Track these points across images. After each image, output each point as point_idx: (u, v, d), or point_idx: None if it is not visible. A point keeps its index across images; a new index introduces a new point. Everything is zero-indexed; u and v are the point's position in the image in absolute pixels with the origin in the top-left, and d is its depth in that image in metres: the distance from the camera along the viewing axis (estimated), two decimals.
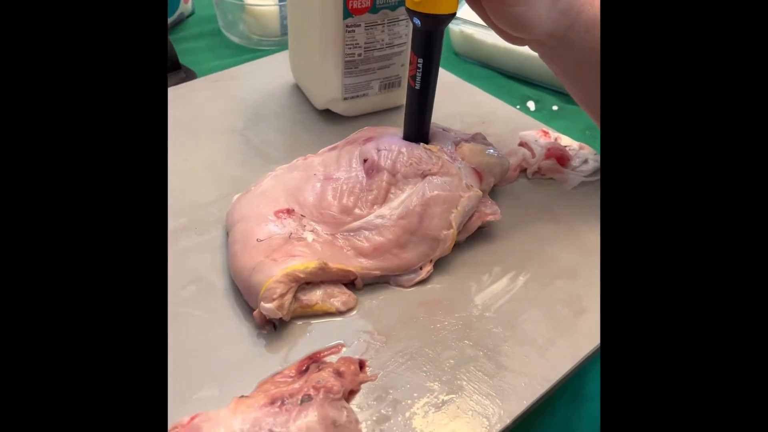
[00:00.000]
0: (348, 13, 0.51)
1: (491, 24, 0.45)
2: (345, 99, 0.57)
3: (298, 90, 0.63)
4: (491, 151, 0.49)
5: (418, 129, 0.48)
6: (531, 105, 0.66)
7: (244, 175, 0.52)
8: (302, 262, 0.41)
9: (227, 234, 0.46)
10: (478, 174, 0.47)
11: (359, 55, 0.54)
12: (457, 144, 0.48)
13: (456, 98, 0.63)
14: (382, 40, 0.54)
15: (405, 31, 0.55)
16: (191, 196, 0.50)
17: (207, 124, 0.58)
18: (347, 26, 0.52)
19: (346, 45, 0.53)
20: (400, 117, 0.60)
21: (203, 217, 0.49)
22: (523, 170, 0.54)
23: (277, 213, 0.44)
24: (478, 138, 0.50)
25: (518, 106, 0.65)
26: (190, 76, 0.65)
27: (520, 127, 0.58)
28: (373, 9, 0.52)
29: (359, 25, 0.53)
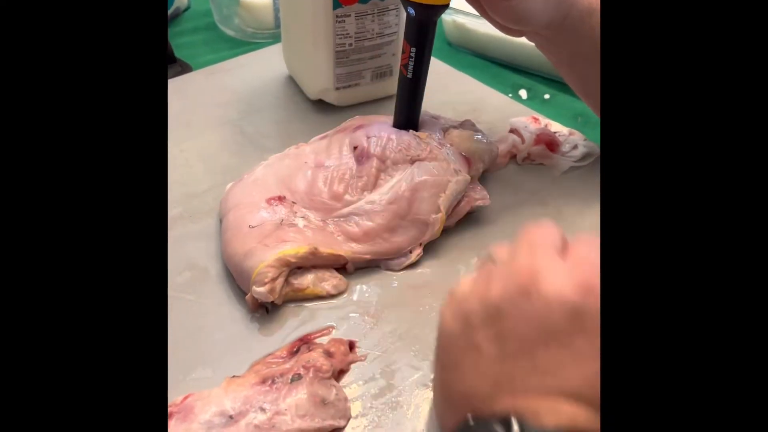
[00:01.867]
0: (338, 3, 0.52)
1: (489, 18, 0.46)
2: (337, 89, 0.58)
3: (291, 81, 0.64)
4: (480, 137, 0.50)
5: (409, 117, 0.49)
6: (523, 93, 0.66)
7: (238, 164, 0.53)
8: (293, 248, 0.42)
9: (221, 222, 0.46)
10: (467, 160, 0.48)
11: (350, 45, 0.55)
12: (446, 131, 0.49)
13: (448, 87, 0.64)
14: (373, 30, 0.55)
15: (395, 20, 0.56)
16: (186, 186, 0.51)
17: (202, 115, 0.59)
18: (337, 16, 0.53)
19: (337, 35, 0.54)
20: (393, 106, 0.61)
21: (198, 206, 0.50)
22: (513, 156, 0.55)
23: (268, 200, 0.45)
24: (467, 125, 0.51)
25: (510, 95, 0.66)
26: (185, 69, 0.66)
27: (512, 115, 0.59)
28: None
29: (349, 15, 0.53)
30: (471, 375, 0.28)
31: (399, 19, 0.56)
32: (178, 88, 0.62)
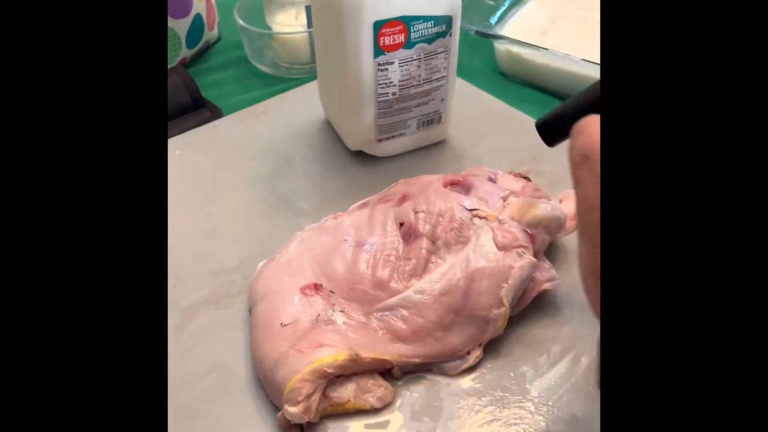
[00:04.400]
0: (380, 50, 0.46)
1: None
2: (379, 140, 0.52)
3: (329, 126, 0.58)
4: (544, 204, 0.43)
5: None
6: None
7: (270, 232, 0.48)
8: (331, 354, 0.36)
9: (250, 311, 0.41)
10: (531, 236, 0.41)
11: (393, 94, 0.49)
12: (505, 199, 0.42)
13: (503, 129, 0.57)
14: (419, 76, 0.49)
15: (444, 63, 0.49)
16: (212, 262, 0.46)
17: (232, 171, 0.54)
18: (379, 65, 0.47)
19: (379, 84, 0.48)
20: (440, 154, 0.55)
21: (226, 286, 0.44)
22: None
23: (302, 289, 0.40)
24: (526, 189, 0.44)
25: None
26: (215, 114, 0.61)
27: None
28: (408, 44, 0.46)
29: (392, 63, 0.47)
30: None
31: (448, 62, 0.49)
32: (205, 137, 0.57)
